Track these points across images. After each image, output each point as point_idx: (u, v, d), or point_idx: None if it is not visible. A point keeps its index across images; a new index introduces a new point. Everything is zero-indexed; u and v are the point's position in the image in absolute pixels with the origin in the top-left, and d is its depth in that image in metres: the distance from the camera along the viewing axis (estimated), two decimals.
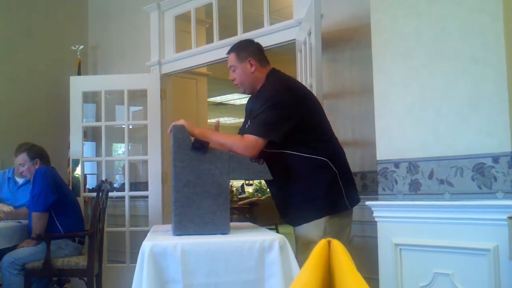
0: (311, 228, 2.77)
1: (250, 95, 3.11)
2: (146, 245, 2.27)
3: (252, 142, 2.66)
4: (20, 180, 4.85)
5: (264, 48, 4.52)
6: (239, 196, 13.44)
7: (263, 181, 13.64)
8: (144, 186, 5.71)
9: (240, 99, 13.78)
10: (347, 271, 1.19)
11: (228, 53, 3.04)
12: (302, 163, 2.77)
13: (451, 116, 2.50)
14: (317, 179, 2.77)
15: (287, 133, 2.73)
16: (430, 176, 2.55)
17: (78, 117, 5.63)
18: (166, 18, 5.76)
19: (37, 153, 4.44)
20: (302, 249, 2.77)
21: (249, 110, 2.91)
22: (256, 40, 3.05)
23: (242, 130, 3.00)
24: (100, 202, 4.20)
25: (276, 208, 3.07)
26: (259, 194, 13.36)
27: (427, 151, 2.58)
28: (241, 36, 4.84)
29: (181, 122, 2.63)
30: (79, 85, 5.68)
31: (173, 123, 2.63)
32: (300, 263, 2.37)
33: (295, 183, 2.80)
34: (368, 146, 3.61)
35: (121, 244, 5.59)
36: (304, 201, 2.79)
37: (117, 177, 6.63)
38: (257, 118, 2.75)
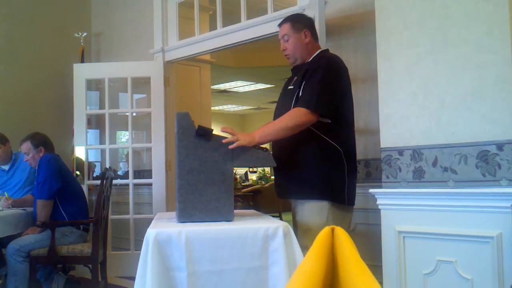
0: (314, 215, 2.78)
1: (293, 65, 3.10)
2: (151, 233, 2.28)
3: (311, 108, 2.70)
4: (6, 167, 4.88)
5: (268, 35, 4.58)
6: (242, 184, 13.45)
7: (266, 169, 13.67)
8: (148, 173, 5.72)
9: (243, 86, 13.75)
10: (351, 259, 1.19)
11: (281, 23, 3.05)
12: (320, 143, 2.79)
13: (455, 104, 2.49)
14: (328, 164, 2.78)
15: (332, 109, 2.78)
16: (434, 163, 2.55)
17: (82, 105, 5.64)
18: (169, 5, 5.74)
19: (41, 141, 4.44)
20: (303, 235, 2.78)
21: (301, 78, 2.88)
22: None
23: (283, 101, 3.02)
24: (104, 190, 4.20)
25: (275, 176, 3.10)
26: (263, 182, 13.34)
27: (431, 139, 2.57)
28: (244, 23, 4.83)
29: (239, 138, 2.60)
30: (82, 72, 5.68)
31: (236, 143, 2.61)
32: (301, 249, 2.38)
33: (306, 159, 2.81)
34: (372, 133, 3.61)
35: (126, 232, 5.62)
36: (308, 179, 2.80)
37: (121, 164, 6.65)
38: (313, 87, 2.76)
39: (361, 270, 1.15)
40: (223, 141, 2.56)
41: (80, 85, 5.64)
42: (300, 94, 2.80)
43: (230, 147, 2.55)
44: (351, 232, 3.60)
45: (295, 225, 2.93)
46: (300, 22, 3.01)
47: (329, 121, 2.76)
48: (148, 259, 2.24)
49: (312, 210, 2.80)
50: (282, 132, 2.72)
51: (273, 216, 3.28)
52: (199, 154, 2.52)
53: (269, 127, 2.77)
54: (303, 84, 2.81)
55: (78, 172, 5.58)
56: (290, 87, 2.96)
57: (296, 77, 2.95)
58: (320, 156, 2.79)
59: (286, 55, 3.03)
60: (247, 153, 2.60)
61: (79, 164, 5.63)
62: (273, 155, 2.79)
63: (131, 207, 5.59)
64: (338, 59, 2.95)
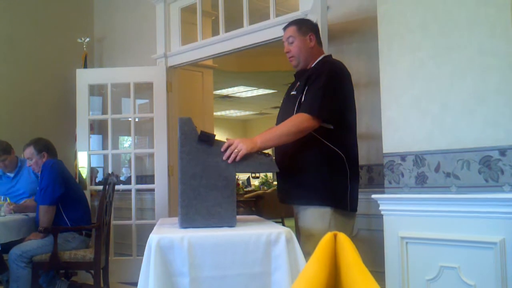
0: (317, 221, 2.78)
1: (296, 70, 3.10)
2: (153, 238, 2.28)
3: (314, 112, 2.71)
4: (11, 174, 4.88)
5: (270, 40, 4.59)
6: (245, 189, 13.42)
7: (269, 174, 13.65)
8: (150, 179, 5.72)
9: (246, 91, 13.76)
10: (353, 264, 1.19)
11: (287, 26, 3.06)
12: (322, 149, 2.78)
13: (458, 108, 2.49)
14: (330, 170, 2.78)
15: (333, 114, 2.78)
16: (437, 169, 2.55)
17: (85, 110, 5.65)
18: (172, 10, 5.76)
19: (44, 146, 4.45)
20: (305, 241, 2.77)
21: (304, 84, 2.89)
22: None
23: (285, 105, 3.02)
24: (106, 195, 4.21)
25: (277, 182, 3.09)
26: (265, 187, 13.33)
27: (433, 144, 2.57)
28: (247, 28, 4.83)
29: (240, 147, 2.55)
30: (85, 78, 5.70)
31: (232, 147, 2.57)
32: (303, 255, 2.38)
33: (308, 165, 2.81)
34: (375, 138, 3.61)
35: (128, 237, 5.61)
36: (310, 184, 2.80)
37: (123, 170, 6.65)
38: (316, 92, 2.77)
39: (364, 276, 1.15)
40: (228, 160, 2.54)
41: (83, 90, 5.66)
42: (303, 99, 2.80)
43: (237, 159, 2.54)
44: (354, 237, 3.59)
45: (298, 231, 2.92)
46: (306, 26, 3.02)
47: (332, 127, 2.76)
48: (151, 264, 2.23)
49: (314, 216, 2.79)
50: (284, 138, 2.71)
51: (275, 222, 3.27)
52: (202, 160, 2.52)
53: (271, 132, 2.76)
54: (305, 89, 2.81)
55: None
56: (292, 92, 2.96)
57: (298, 83, 2.95)
58: (322, 161, 2.78)
59: (289, 57, 3.03)
60: (250, 159, 2.59)
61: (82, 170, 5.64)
62: (276, 160, 2.79)
63: (133, 213, 5.59)
64: (341, 64, 2.95)
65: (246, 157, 2.57)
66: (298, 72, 3.06)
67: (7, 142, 4.79)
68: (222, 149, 2.54)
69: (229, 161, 2.53)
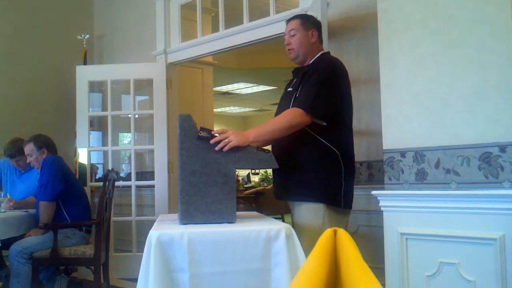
0: (310, 217, 2.78)
1: (294, 68, 3.11)
2: (153, 234, 2.28)
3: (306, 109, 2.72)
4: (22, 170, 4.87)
5: (270, 37, 4.59)
6: (245, 186, 13.43)
7: (269, 171, 13.65)
8: (150, 175, 5.73)
9: (246, 88, 13.75)
10: (353, 260, 1.19)
11: (291, 19, 3.06)
12: (317, 145, 2.79)
13: (458, 105, 2.49)
14: (324, 167, 2.78)
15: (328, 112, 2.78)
16: (437, 165, 2.55)
17: (84, 107, 5.65)
18: (172, 6, 5.75)
19: (44, 142, 4.45)
20: (299, 237, 2.77)
21: (299, 80, 2.90)
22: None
23: (283, 102, 3.02)
24: (106, 192, 4.21)
25: (273, 179, 3.10)
26: (265, 184, 13.34)
27: (433, 140, 2.57)
28: (247, 25, 4.83)
29: (231, 139, 2.52)
30: (85, 74, 5.70)
31: (224, 135, 2.54)
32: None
33: (303, 161, 2.81)
34: (374, 135, 3.61)
35: (128, 233, 5.62)
36: (305, 180, 2.81)
37: (123, 166, 6.65)
38: (310, 89, 2.78)
39: (364, 272, 1.16)
40: (211, 141, 2.51)
41: (83, 87, 5.66)
42: (297, 95, 2.81)
43: (224, 149, 2.53)
44: (353, 234, 3.60)
45: (294, 227, 2.92)
46: (310, 22, 3.04)
47: (324, 124, 2.76)
48: (151, 260, 2.23)
49: (308, 212, 2.80)
50: (276, 133, 2.73)
51: (275, 218, 3.28)
52: (202, 156, 2.52)
53: (264, 127, 2.77)
54: (300, 85, 2.82)
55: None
56: (289, 89, 2.97)
57: (295, 79, 2.96)
58: (317, 158, 2.79)
59: (289, 50, 3.03)
60: (250, 155, 2.59)
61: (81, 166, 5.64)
62: None
63: (133, 209, 5.60)
64: (338, 62, 2.96)
65: (246, 153, 2.58)
66: (296, 69, 3.07)
67: (24, 141, 4.74)
68: (213, 133, 2.53)
69: (216, 148, 2.51)
